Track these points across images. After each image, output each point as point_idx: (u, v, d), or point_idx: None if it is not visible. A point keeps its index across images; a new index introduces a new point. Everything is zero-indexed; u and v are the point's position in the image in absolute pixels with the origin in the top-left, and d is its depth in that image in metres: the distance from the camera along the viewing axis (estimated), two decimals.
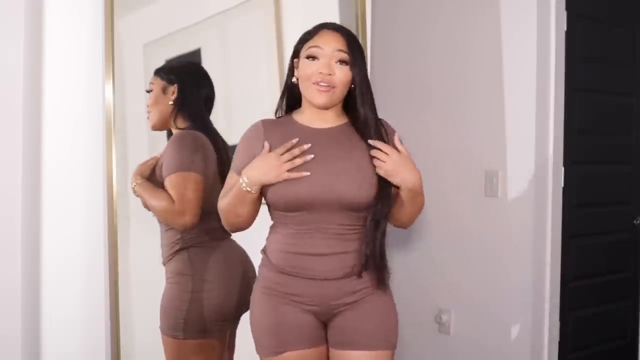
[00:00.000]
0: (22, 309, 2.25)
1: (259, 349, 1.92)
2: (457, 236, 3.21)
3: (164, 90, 2.35)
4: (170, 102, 2.34)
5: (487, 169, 3.11)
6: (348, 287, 1.88)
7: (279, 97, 2.01)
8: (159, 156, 2.30)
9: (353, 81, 1.91)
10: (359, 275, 1.89)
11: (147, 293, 2.51)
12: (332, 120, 1.95)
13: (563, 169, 3.11)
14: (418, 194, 1.89)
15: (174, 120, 2.34)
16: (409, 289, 3.32)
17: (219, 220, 2.25)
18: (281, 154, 1.85)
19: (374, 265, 1.89)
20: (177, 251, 2.26)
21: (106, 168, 2.38)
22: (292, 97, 1.99)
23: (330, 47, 1.88)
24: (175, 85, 2.34)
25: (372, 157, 1.87)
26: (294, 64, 1.96)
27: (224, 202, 1.92)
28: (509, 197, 3.05)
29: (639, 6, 3.45)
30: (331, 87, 1.87)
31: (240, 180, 1.85)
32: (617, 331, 3.45)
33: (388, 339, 1.91)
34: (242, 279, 2.33)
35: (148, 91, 2.36)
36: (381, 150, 1.85)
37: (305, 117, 1.95)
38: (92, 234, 2.38)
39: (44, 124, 2.33)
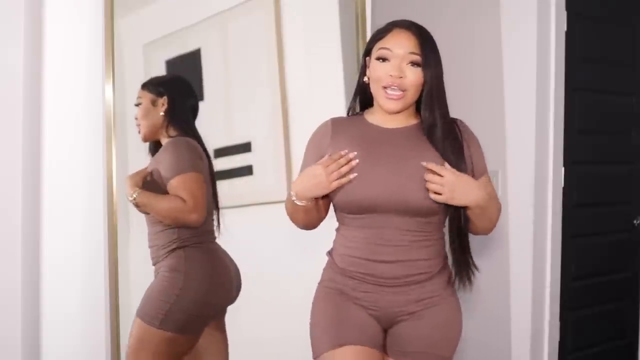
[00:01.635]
0: (22, 309, 2.25)
1: (317, 348, 1.85)
2: None
3: (154, 103, 2.43)
4: (162, 113, 2.42)
5: (487, 169, 3.11)
6: (414, 295, 1.82)
7: (352, 96, 1.96)
8: (148, 169, 2.36)
9: (424, 83, 1.83)
10: (430, 281, 1.83)
11: None
12: (403, 120, 1.88)
13: (563, 169, 3.12)
14: (486, 208, 1.81)
15: (166, 130, 2.42)
16: None
17: (208, 222, 2.31)
18: (327, 166, 1.77)
19: (462, 272, 1.86)
20: (174, 250, 2.31)
21: (106, 168, 2.38)
22: (365, 96, 1.92)
23: (401, 48, 1.81)
24: (165, 97, 2.42)
25: (426, 182, 1.76)
26: (366, 63, 1.89)
27: (287, 204, 1.90)
28: (509, 197, 3.05)
29: (639, 6, 3.45)
30: (402, 91, 1.80)
31: (291, 193, 1.82)
32: (617, 331, 3.45)
33: (446, 352, 1.88)
34: (228, 278, 2.40)
35: (136, 105, 2.43)
36: (435, 172, 1.76)
37: (376, 116, 1.89)
38: (92, 234, 2.38)
39: (44, 124, 2.33)
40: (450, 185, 1.74)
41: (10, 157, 2.26)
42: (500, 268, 3.07)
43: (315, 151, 1.88)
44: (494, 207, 1.87)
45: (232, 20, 2.76)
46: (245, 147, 2.72)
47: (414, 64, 1.81)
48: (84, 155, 2.39)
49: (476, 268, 1.88)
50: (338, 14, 2.95)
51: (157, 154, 2.38)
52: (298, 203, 1.81)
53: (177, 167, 2.29)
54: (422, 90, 1.84)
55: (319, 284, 1.93)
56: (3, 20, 2.22)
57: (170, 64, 2.64)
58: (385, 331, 1.87)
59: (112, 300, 2.36)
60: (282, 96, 2.78)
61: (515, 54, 3.03)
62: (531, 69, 2.99)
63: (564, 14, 3.07)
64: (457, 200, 1.75)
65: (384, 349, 1.87)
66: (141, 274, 2.51)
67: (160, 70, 2.62)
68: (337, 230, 1.91)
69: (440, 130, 1.84)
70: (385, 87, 1.81)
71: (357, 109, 1.96)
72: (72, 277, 2.37)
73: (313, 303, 1.91)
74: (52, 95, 2.34)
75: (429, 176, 1.75)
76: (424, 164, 1.77)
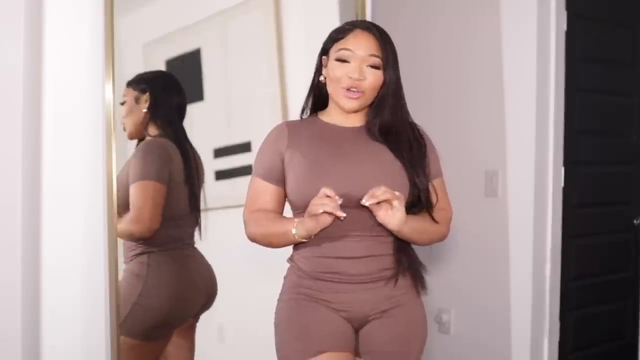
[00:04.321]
0: (22, 309, 2.25)
1: (288, 358, 1.79)
2: (457, 236, 3.21)
3: (137, 100, 2.45)
4: (144, 110, 2.42)
5: (487, 169, 3.11)
6: (384, 293, 1.81)
7: (305, 97, 1.93)
8: (123, 170, 2.39)
9: (382, 85, 1.82)
10: (396, 279, 1.82)
11: None
12: (360, 119, 1.87)
13: (563, 169, 3.11)
14: (410, 238, 1.81)
15: (146, 128, 2.43)
16: None
17: (180, 227, 2.28)
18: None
19: (411, 267, 1.84)
20: (138, 254, 2.32)
21: (106, 168, 2.37)
22: (318, 97, 1.91)
23: (362, 50, 1.79)
24: (148, 93, 2.42)
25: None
26: (322, 62, 1.86)
27: (259, 222, 1.85)
28: (509, 197, 3.05)
29: (639, 6, 3.45)
30: (361, 92, 1.79)
31: (293, 231, 1.76)
32: (617, 331, 3.45)
33: (417, 349, 1.86)
34: (194, 287, 2.41)
35: (122, 103, 2.44)
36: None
37: (333, 116, 1.87)
38: (92, 234, 2.38)
39: (44, 124, 2.32)
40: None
41: (10, 157, 2.25)
42: (500, 268, 3.07)
43: (273, 154, 1.84)
44: (430, 233, 1.87)
45: (232, 19, 2.76)
46: (245, 147, 2.71)
47: (373, 66, 1.80)
48: (84, 155, 2.38)
49: (425, 268, 1.89)
50: (338, 14, 2.96)
51: (130, 157, 2.38)
52: (304, 240, 1.77)
53: (135, 174, 2.32)
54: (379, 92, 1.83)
55: (280, 295, 1.88)
56: (3, 20, 2.22)
57: (170, 63, 2.64)
58: (356, 332, 1.84)
59: (112, 301, 2.36)
60: (282, 96, 2.78)
61: (515, 54, 3.03)
62: (531, 69, 2.99)
63: (564, 13, 3.07)
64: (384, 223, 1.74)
65: (356, 350, 1.85)
66: None
67: None
68: None
69: (386, 130, 1.82)
70: (344, 89, 1.79)
71: (308, 112, 1.93)
72: (72, 277, 2.36)
73: (277, 315, 1.85)
74: (52, 95, 2.33)
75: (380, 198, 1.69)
76: (368, 200, 1.69)
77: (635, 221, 3.48)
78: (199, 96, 2.70)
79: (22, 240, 2.24)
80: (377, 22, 3.10)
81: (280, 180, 1.85)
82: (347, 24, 1.87)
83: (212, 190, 2.67)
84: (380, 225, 1.76)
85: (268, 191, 1.86)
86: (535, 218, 3.00)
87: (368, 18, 2.93)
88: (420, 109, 3.35)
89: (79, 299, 2.36)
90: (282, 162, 1.83)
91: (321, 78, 1.86)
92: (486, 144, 3.13)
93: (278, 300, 1.88)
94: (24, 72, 2.23)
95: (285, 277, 1.89)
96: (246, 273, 2.54)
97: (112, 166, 2.37)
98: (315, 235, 1.77)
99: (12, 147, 2.23)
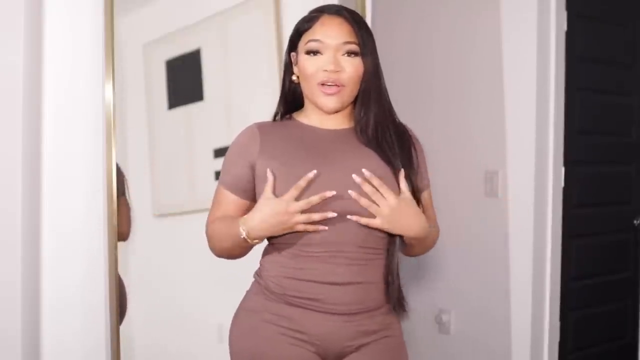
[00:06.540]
0: (22, 309, 2.25)
1: None
2: (457, 236, 3.21)
3: None
4: None
5: (487, 169, 3.11)
6: (367, 326, 1.57)
7: (277, 101, 1.70)
8: None
9: (364, 73, 1.57)
10: (382, 309, 1.60)
11: (147, 292, 2.51)
12: (344, 120, 1.63)
13: (563, 169, 3.11)
14: (424, 239, 1.59)
15: None
16: (409, 288, 3.32)
17: None
18: (295, 198, 1.47)
19: (398, 294, 1.60)
20: None
21: (106, 168, 2.37)
22: (291, 96, 1.67)
23: (334, 38, 1.54)
24: None
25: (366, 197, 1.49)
26: (291, 59, 1.63)
27: (215, 231, 1.62)
28: (509, 197, 3.05)
29: (639, 6, 3.45)
30: (340, 86, 1.55)
31: (240, 230, 1.53)
32: (617, 331, 3.45)
33: None
34: None
35: None
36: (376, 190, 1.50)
37: (311, 117, 1.63)
38: (92, 234, 2.38)
39: (44, 124, 2.32)
40: (390, 210, 1.49)
41: (10, 157, 2.25)
42: (500, 268, 3.07)
43: (242, 161, 1.60)
44: (431, 236, 1.65)
45: (232, 19, 2.76)
46: None
47: (350, 53, 1.55)
48: (84, 155, 2.38)
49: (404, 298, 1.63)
50: None
51: None
52: (249, 242, 1.53)
53: None
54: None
55: (240, 310, 1.64)
56: (3, 20, 2.22)
57: (170, 63, 2.64)
58: None
59: (112, 301, 2.36)
60: None
61: (515, 54, 3.03)
62: (531, 68, 2.99)
63: (564, 13, 3.07)
64: (393, 230, 1.52)
65: None
66: (141, 274, 2.52)
67: (161, 71, 2.62)
68: (269, 247, 1.63)
69: (380, 131, 1.59)
70: (320, 84, 1.56)
71: (280, 118, 1.70)
72: (72, 277, 2.36)
73: (236, 336, 1.61)
74: (52, 95, 2.34)
75: (368, 189, 1.49)
76: (366, 172, 1.50)
77: (635, 221, 3.48)
78: (199, 96, 2.70)
79: (22, 240, 2.24)
80: (377, 22, 3.12)
81: (249, 192, 1.61)
82: (313, 10, 1.62)
83: (212, 191, 2.67)
84: (371, 247, 1.57)
85: (232, 204, 1.63)
86: (535, 218, 3.00)
87: (368, 18, 2.93)
88: (421, 109, 3.36)
89: (79, 299, 2.36)
90: (253, 171, 1.59)
91: (293, 77, 1.63)
92: (486, 144, 3.13)
93: (239, 310, 1.64)
94: (24, 72, 2.23)
95: (248, 292, 1.66)
96: (246, 273, 2.53)
97: (112, 166, 2.37)
98: (278, 240, 1.56)
99: (12, 147, 2.22)
